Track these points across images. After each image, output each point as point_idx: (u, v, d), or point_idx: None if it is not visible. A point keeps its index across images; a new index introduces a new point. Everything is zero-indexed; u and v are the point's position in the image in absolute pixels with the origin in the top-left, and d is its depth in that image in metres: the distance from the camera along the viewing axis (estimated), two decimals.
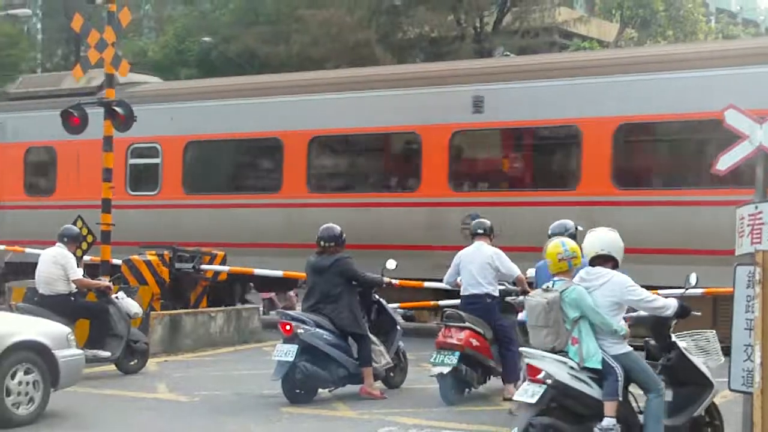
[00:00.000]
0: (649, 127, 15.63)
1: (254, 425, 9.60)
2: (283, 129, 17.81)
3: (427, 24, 34.41)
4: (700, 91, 14.58)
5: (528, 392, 7.72)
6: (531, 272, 11.14)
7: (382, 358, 11.31)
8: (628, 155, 15.96)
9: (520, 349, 8.31)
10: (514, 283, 11.29)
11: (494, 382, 11.35)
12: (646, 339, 8.48)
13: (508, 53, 31.83)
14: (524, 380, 9.53)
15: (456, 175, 16.78)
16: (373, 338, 11.29)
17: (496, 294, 11.15)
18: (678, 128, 15.39)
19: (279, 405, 10.56)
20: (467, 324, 10.85)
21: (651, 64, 15.51)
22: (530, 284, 11.20)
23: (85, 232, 15.40)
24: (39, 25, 53.20)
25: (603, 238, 8.03)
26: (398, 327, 11.81)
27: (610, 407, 7.60)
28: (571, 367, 7.65)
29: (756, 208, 7.71)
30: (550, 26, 38.32)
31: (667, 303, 7.95)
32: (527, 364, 7.94)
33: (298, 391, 10.80)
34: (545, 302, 7.75)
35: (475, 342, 10.82)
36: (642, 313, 8.19)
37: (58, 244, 12.59)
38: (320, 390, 11.05)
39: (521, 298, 11.05)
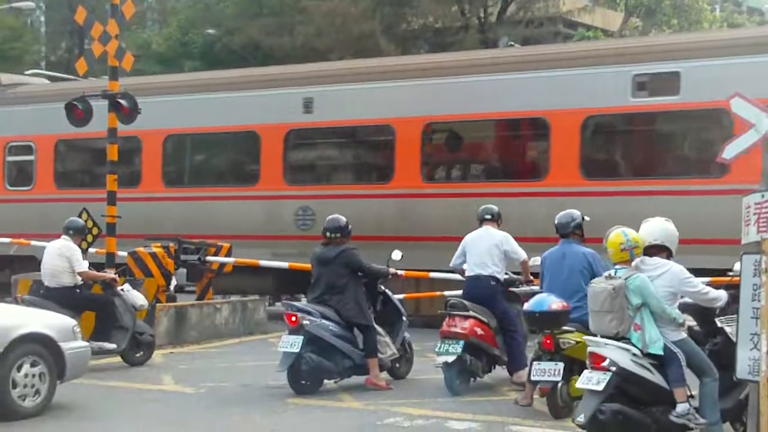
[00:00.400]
0: (453, 125, 17.44)
1: (260, 416, 9.61)
2: (142, 128, 17.61)
3: (431, 14, 34.40)
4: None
5: (593, 380, 7.89)
6: (536, 260, 11.17)
7: (388, 349, 11.31)
8: (433, 152, 17.80)
9: (585, 338, 8.43)
10: (517, 274, 11.29)
11: (499, 371, 11.34)
12: (690, 326, 8.57)
13: (513, 43, 31.80)
14: (531, 368, 9.58)
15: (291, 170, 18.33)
16: (379, 329, 11.28)
17: (501, 278, 11.14)
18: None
19: (285, 396, 10.57)
20: (471, 313, 10.84)
21: (447, 69, 17.25)
22: (533, 274, 11.24)
23: (90, 224, 15.41)
24: (42, 18, 53.22)
25: (658, 228, 8.23)
26: (404, 318, 11.80)
27: (680, 393, 7.84)
28: (634, 354, 7.84)
29: (762, 196, 7.67)
30: (554, 16, 38.30)
31: (719, 295, 8.18)
32: (590, 352, 8.03)
33: (303, 382, 10.80)
34: (611, 288, 7.93)
35: (479, 331, 10.81)
36: (688, 300, 8.30)
37: (63, 236, 12.60)
38: (326, 381, 11.04)
39: (525, 288, 11.09)
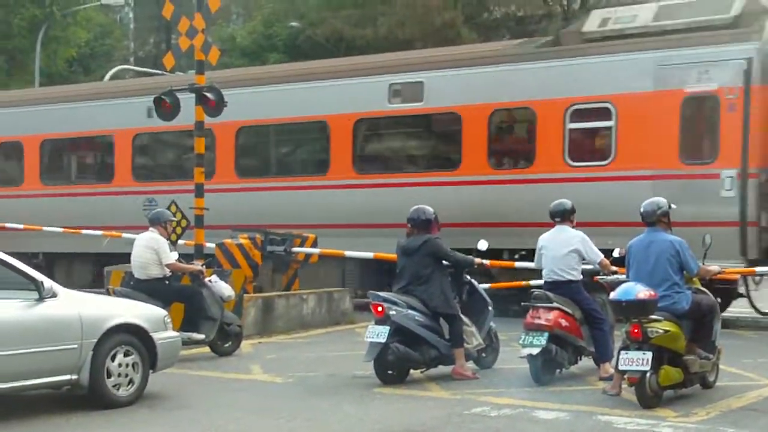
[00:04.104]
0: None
1: (348, 405, 9.68)
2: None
3: (513, 3, 34.23)
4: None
5: None
6: (616, 253, 11.07)
7: (474, 339, 11.29)
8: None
9: None
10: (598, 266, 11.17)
11: (587, 362, 11.26)
12: None
13: None
14: (618, 357, 9.50)
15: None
16: (465, 319, 11.26)
17: (580, 278, 11.03)
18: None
19: (371, 386, 10.63)
20: (555, 305, 10.77)
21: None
22: (614, 263, 11.11)
23: (179, 216, 15.64)
24: (131, 15, 54.12)
25: None
26: (490, 308, 11.76)
27: None
28: None
29: None
30: (642, 2, 37.68)
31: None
32: None
33: (390, 372, 10.85)
34: None
35: (564, 322, 10.73)
36: None
37: (150, 228, 12.81)
38: (412, 371, 11.08)
39: (612, 277, 10.96)
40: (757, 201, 14.91)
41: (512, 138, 18.40)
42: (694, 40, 15.68)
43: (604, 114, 16.31)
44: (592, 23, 17.33)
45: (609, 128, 16.27)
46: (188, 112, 15.31)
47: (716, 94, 15.23)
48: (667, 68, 15.63)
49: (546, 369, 10.66)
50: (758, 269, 14.30)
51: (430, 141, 18.80)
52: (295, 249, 16.66)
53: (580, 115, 16.54)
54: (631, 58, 16.08)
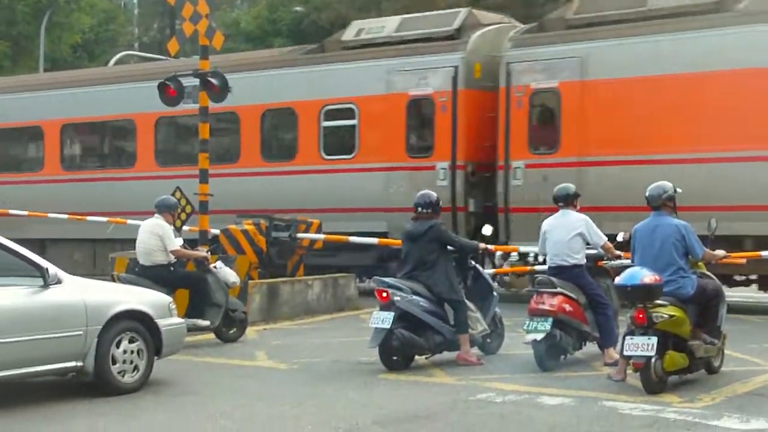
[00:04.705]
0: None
1: (352, 391, 9.69)
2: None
3: None
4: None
5: None
6: (620, 237, 11.04)
7: (479, 325, 11.27)
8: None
9: None
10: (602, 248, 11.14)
11: (592, 347, 11.25)
12: None
13: None
14: (623, 343, 9.48)
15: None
16: (470, 305, 11.24)
17: (584, 262, 11.01)
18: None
19: (376, 372, 10.64)
20: (559, 290, 10.75)
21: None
22: (618, 247, 11.08)
23: (183, 202, 15.63)
24: (135, 0, 54.04)
25: None
26: (494, 293, 11.76)
27: None
28: None
29: None
30: None
31: None
32: None
33: (394, 358, 10.84)
34: None
35: (568, 307, 10.71)
36: None
37: (155, 215, 12.81)
38: (417, 357, 11.08)
39: (616, 261, 10.93)
40: (464, 189, 17.48)
41: (280, 135, 20.63)
42: (417, 50, 18.22)
43: (349, 114, 18.77)
44: (350, 33, 19.74)
45: (353, 126, 18.72)
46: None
47: (432, 97, 17.83)
48: (396, 74, 18.12)
49: (551, 354, 10.64)
50: (764, 253, 14.37)
51: (213, 137, 19.60)
52: (300, 235, 16.66)
53: (332, 114, 19.02)
54: (370, 65, 18.61)
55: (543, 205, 14.41)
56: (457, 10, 19.53)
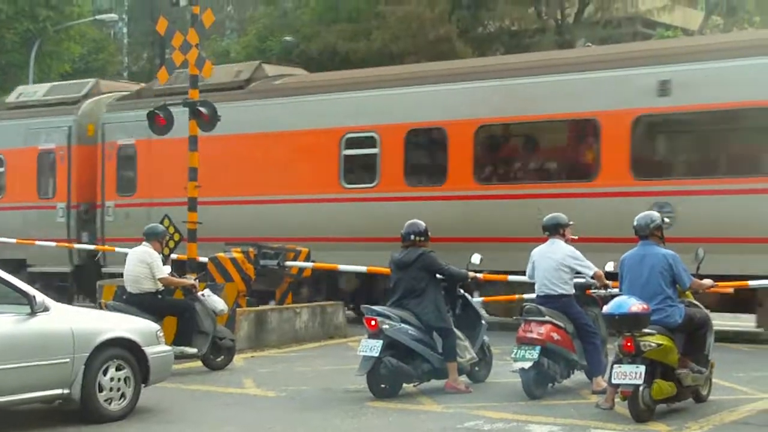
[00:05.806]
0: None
1: (340, 420, 9.66)
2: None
3: (507, 17, 34.24)
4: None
5: None
6: (609, 266, 11.06)
7: (467, 353, 11.27)
8: None
9: None
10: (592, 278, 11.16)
11: (580, 375, 11.25)
12: None
13: (590, 44, 31.50)
14: (611, 371, 9.49)
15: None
16: (458, 333, 11.24)
17: (572, 292, 11.03)
18: None
19: (364, 400, 10.62)
20: (547, 318, 10.75)
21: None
22: (608, 276, 11.10)
23: (171, 230, 15.62)
24: (125, 30, 54.13)
25: None
26: (483, 321, 11.76)
27: None
28: None
29: None
30: (633, 16, 37.83)
31: None
32: None
33: (383, 386, 10.82)
34: None
35: (556, 336, 10.71)
36: None
37: (144, 242, 12.80)
38: (405, 385, 11.06)
39: (604, 291, 10.96)
40: (78, 224, 21.87)
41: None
42: (50, 112, 22.73)
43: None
44: (13, 96, 24.56)
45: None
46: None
47: (54, 151, 22.37)
48: (32, 131, 22.59)
49: (538, 383, 10.64)
50: (751, 283, 14.42)
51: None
52: (288, 263, 16.64)
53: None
54: (18, 123, 22.99)
55: (126, 236, 18.84)
56: (86, 81, 24.38)
